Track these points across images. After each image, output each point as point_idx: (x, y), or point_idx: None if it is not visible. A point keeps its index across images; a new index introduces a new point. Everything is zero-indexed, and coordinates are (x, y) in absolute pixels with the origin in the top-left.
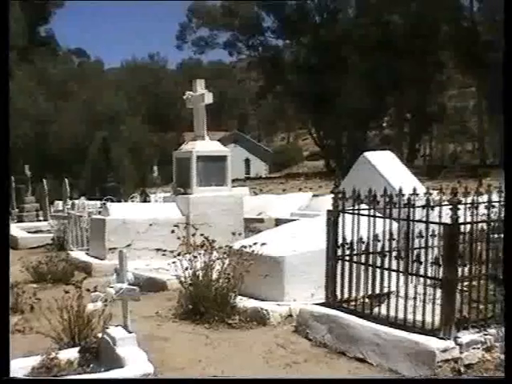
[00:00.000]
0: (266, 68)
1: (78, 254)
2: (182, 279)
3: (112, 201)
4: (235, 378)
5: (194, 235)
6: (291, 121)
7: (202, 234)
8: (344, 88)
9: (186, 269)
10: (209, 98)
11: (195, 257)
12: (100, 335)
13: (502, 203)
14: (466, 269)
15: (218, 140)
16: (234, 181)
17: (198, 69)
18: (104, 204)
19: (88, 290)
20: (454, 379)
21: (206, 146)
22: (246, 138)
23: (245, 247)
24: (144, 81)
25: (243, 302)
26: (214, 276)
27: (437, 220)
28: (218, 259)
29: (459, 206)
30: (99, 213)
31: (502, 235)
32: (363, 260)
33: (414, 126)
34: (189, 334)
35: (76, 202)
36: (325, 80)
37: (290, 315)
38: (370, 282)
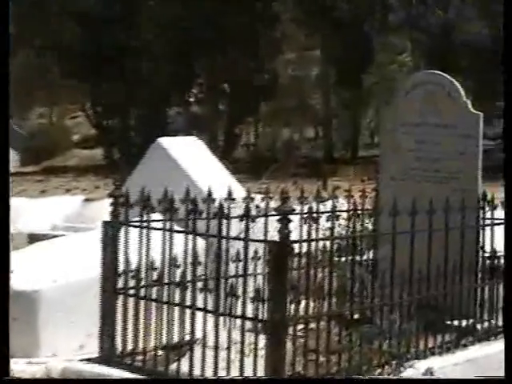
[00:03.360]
0: (19, 7)
1: None
2: None
3: None
4: (238, 378)
5: None
6: (56, 89)
7: None
8: (135, 44)
9: None
10: None
11: None
12: None
13: (353, 212)
14: (301, 305)
15: None
16: None
17: None
18: None
19: None
20: (454, 379)
21: None
22: None
23: None
24: None
25: None
26: None
27: (261, 236)
28: None
29: (292, 217)
30: None
31: (351, 257)
32: (155, 294)
33: (234, 101)
34: None
35: None
36: (107, 31)
37: None
38: (165, 325)
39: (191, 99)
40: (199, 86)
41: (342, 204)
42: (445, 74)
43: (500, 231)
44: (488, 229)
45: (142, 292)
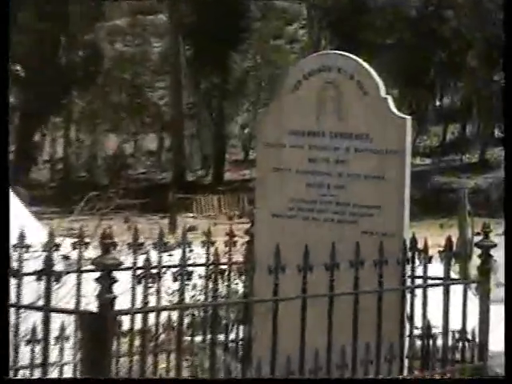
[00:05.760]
0: None
1: None
2: None
3: None
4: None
5: None
6: None
7: None
8: None
9: None
10: None
11: None
12: None
13: (214, 268)
14: None
15: None
16: None
17: None
18: None
19: None
20: (454, 379)
21: None
22: None
23: None
24: None
25: None
26: None
27: (70, 304)
28: None
29: (119, 275)
30: None
31: (211, 337)
32: None
33: (32, 91)
34: None
35: None
36: None
37: None
38: None
39: None
40: None
41: (199, 254)
42: (354, 56)
43: (436, 295)
44: (419, 292)
45: None
